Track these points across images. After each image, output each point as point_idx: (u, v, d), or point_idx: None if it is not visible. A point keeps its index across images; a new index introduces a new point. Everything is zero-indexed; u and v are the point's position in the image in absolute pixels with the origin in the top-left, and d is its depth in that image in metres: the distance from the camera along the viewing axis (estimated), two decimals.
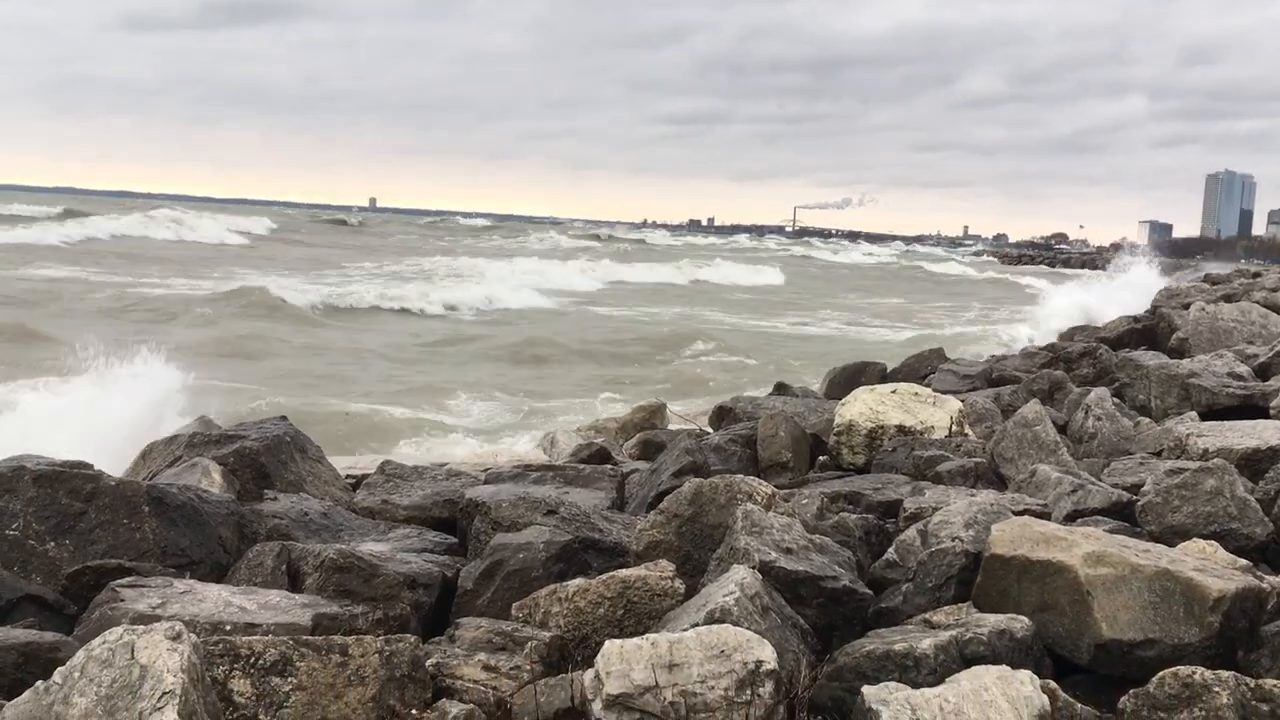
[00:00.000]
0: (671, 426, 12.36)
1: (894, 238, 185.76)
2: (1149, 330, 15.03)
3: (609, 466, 7.63)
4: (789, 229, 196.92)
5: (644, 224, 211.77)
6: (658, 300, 34.23)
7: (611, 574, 4.44)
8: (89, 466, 5.67)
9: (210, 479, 6.37)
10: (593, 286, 38.40)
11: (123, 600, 4.18)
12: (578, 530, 5.50)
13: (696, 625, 3.79)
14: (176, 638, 3.05)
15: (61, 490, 5.12)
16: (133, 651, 3.00)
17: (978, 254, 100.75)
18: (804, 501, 5.68)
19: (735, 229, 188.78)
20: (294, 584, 5.03)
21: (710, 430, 11.14)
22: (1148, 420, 8.20)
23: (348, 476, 8.16)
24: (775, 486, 5.61)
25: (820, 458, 8.39)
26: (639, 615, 4.29)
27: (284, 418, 8.28)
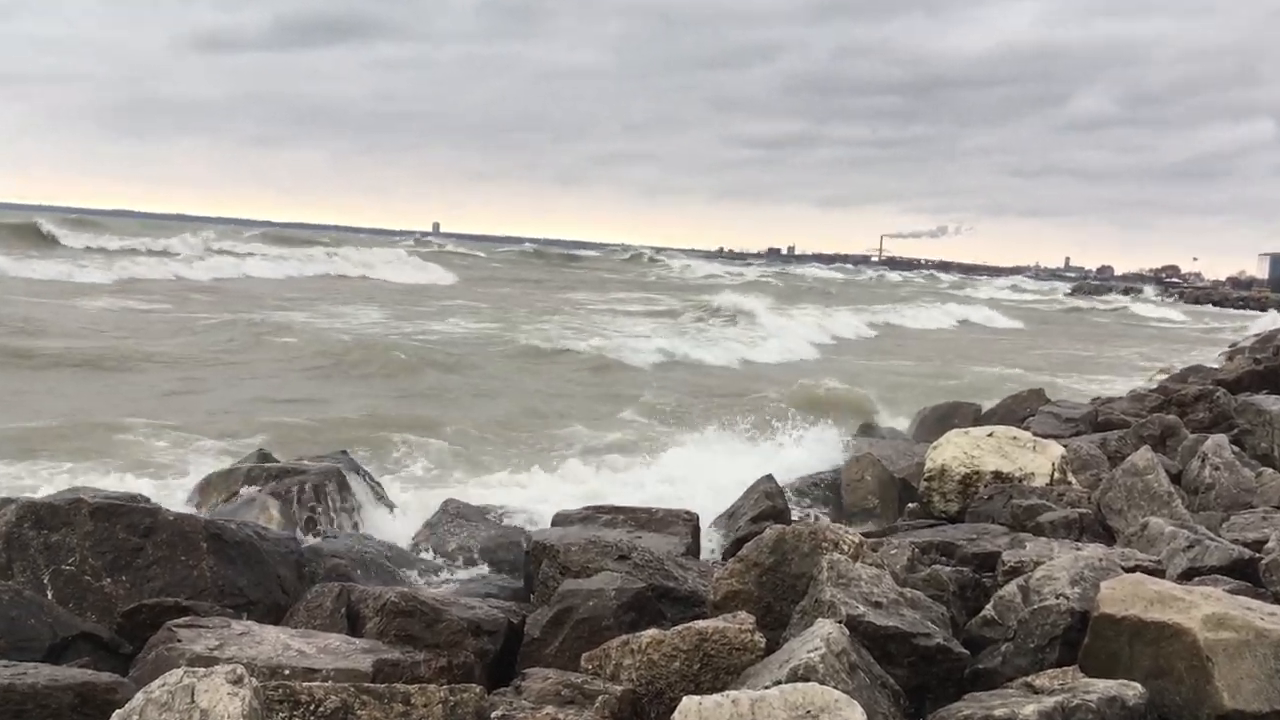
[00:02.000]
0: None
1: (989, 269, 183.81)
2: (1272, 372, 14.65)
3: (684, 510, 7.63)
4: (875, 258, 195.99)
5: (720, 253, 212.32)
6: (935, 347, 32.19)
7: (687, 625, 4.43)
8: (146, 500, 5.83)
9: (268, 514, 6.51)
10: (869, 333, 36.02)
11: (179, 641, 4.27)
12: (651, 577, 5.50)
13: (779, 683, 3.76)
14: (238, 681, 3.11)
15: (119, 524, 5.27)
16: (193, 695, 3.07)
17: (1132, 292, 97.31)
18: (893, 552, 5.62)
19: (817, 258, 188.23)
20: (354, 627, 5.09)
21: None
22: (1270, 471, 7.98)
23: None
24: (862, 535, 5.56)
25: (909, 505, 8.31)
26: (716, 670, 4.27)
27: (344, 451, 8.44)
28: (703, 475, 10.06)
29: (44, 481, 8.95)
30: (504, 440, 13.55)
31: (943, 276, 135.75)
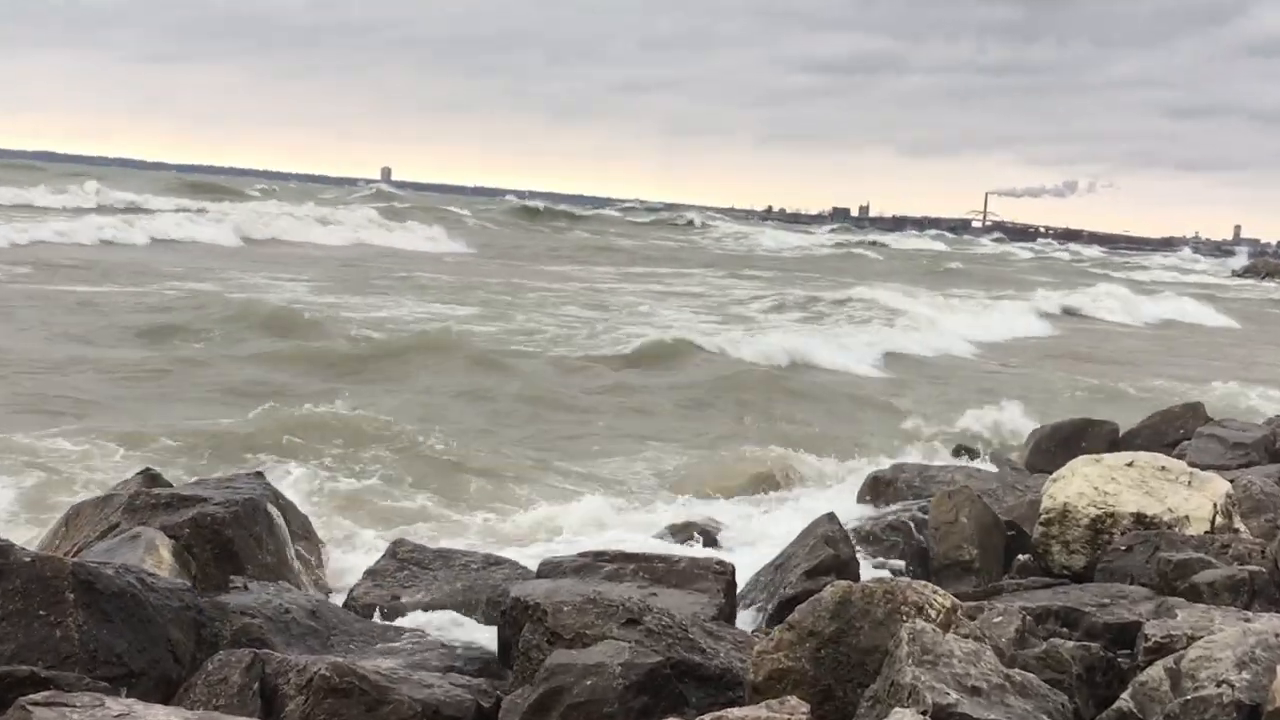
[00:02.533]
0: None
1: (1132, 240, 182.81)
2: None
3: (714, 559, 7.63)
4: (977, 222, 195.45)
5: (769, 213, 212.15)
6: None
7: (719, 715, 4.44)
8: None
9: (157, 557, 6.54)
10: (1043, 328, 35.70)
11: None
12: (670, 649, 5.50)
13: None
14: None
15: None
16: None
17: None
18: (997, 620, 5.62)
19: (898, 222, 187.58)
20: (269, 709, 5.11)
21: (861, 511, 11.09)
22: None
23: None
24: (955, 596, 5.56)
25: (1020, 556, 8.31)
26: None
27: (259, 473, 8.47)
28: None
29: None
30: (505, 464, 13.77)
31: (1082, 251, 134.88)
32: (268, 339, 21.80)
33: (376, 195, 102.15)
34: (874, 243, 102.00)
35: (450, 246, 60.62)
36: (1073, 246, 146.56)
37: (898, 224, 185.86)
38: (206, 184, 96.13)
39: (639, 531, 10.16)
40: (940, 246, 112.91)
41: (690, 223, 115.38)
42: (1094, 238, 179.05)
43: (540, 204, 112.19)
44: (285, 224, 57.59)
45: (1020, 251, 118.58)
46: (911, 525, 9.26)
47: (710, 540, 9.77)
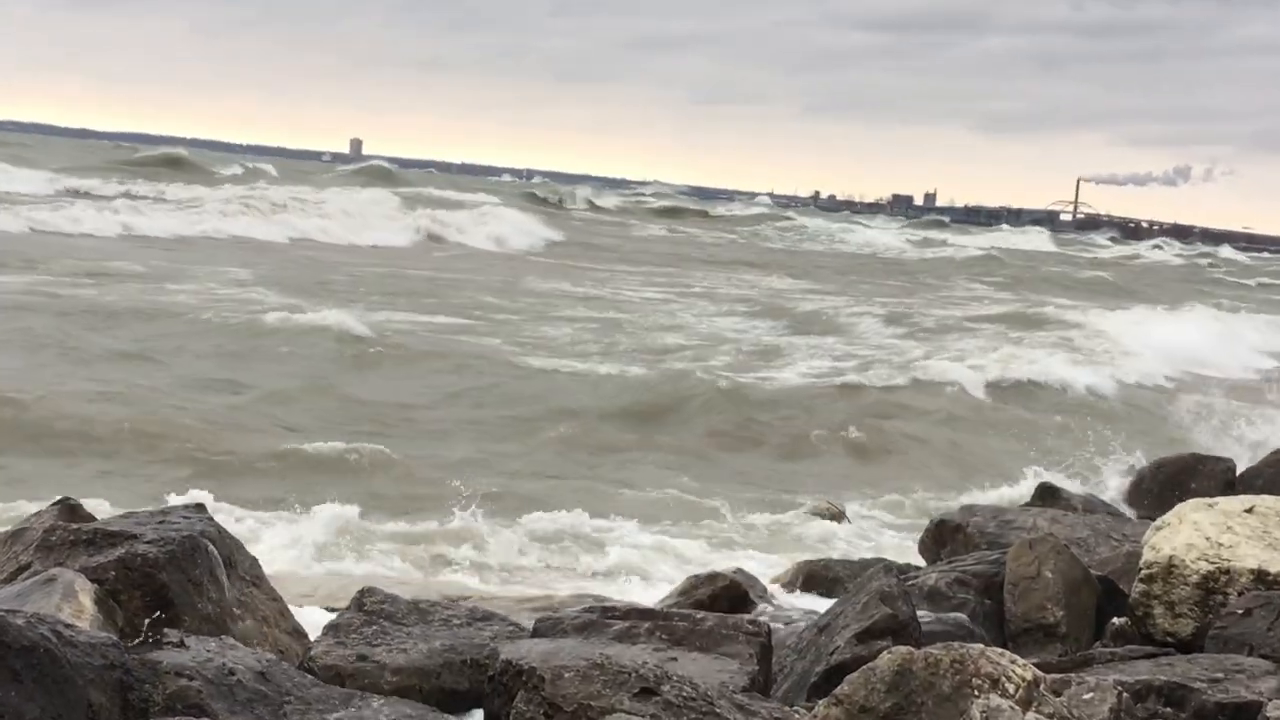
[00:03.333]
0: (850, 552, 12.32)
1: (1255, 239, 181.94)
2: None
3: (745, 618, 7.63)
4: (1065, 214, 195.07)
5: (815, 199, 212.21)
6: None
7: None
8: None
9: (77, 605, 6.54)
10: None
11: None
12: None
13: None
14: None
15: None
16: None
17: None
18: (1087, 697, 5.61)
19: (973, 213, 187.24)
20: None
21: (922, 562, 11.08)
22: None
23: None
24: (1037, 666, 5.55)
25: (1115, 620, 8.29)
26: None
27: (200, 506, 8.47)
28: None
29: None
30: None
31: (1215, 252, 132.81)
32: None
33: (367, 173, 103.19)
34: (947, 240, 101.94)
35: (534, 243, 61.47)
36: (1202, 247, 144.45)
37: (970, 215, 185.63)
38: (152, 158, 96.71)
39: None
40: (1049, 246, 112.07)
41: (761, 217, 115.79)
42: (1207, 235, 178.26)
43: (583, 192, 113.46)
44: (319, 220, 57.92)
45: (1151, 253, 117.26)
46: (984, 580, 9.24)
47: (740, 597, 9.76)
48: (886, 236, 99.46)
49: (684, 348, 28.58)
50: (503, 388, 22.17)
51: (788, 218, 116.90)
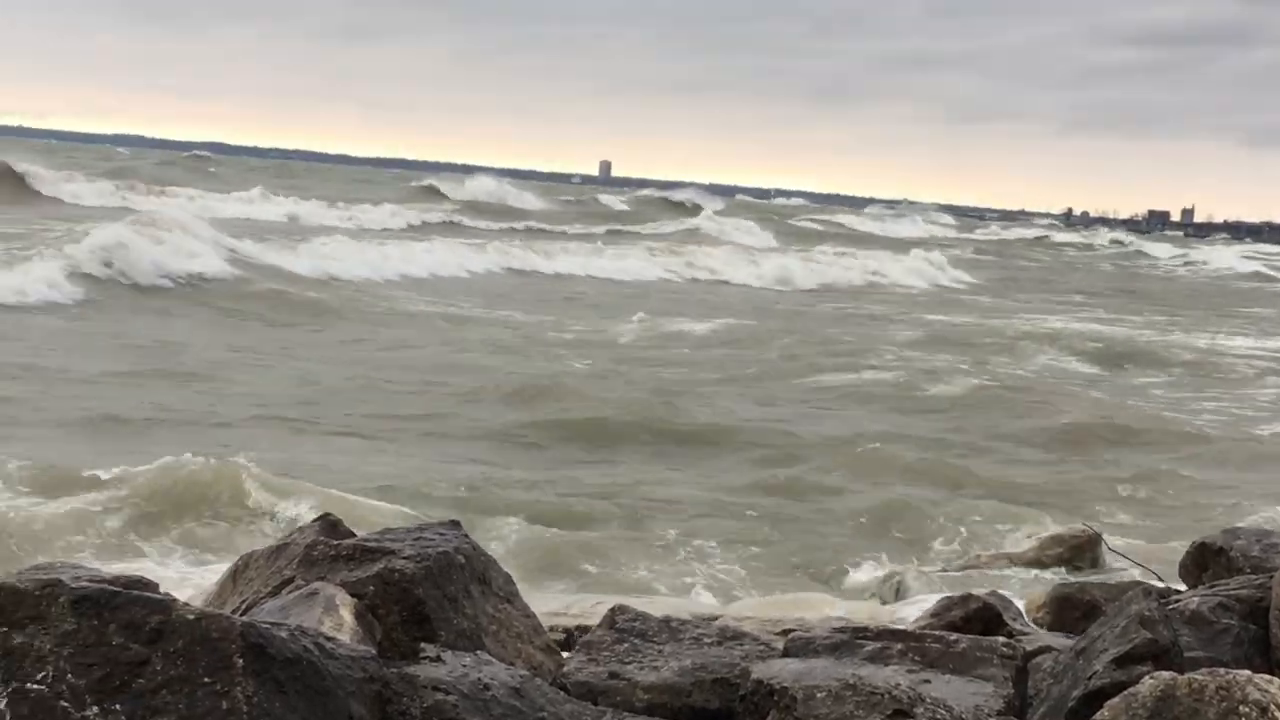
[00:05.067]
0: (1107, 577, 12.07)
1: None
2: None
3: (1000, 640, 7.47)
4: None
5: (1069, 217, 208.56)
6: None
7: None
8: (154, 587, 6.05)
9: (337, 618, 6.65)
10: None
11: None
12: None
13: None
14: None
15: (114, 623, 5.46)
16: None
17: None
18: None
19: (1235, 229, 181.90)
20: None
21: (1182, 586, 10.78)
22: None
23: (553, 628, 8.38)
24: None
25: None
26: None
27: (455, 522, 8.57)
28: None
29: None
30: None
31: None
32: None
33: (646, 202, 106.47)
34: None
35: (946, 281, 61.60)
36: None
37: (1232, 231, 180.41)
38: (432, 191, 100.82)
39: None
40: None
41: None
42: None
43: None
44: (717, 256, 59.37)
45: None
46: (1249, 605, 8.94)
47: (993, 620, 9.60)
48: (1231, 259, 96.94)
49: None
50: None
51: (1121, 242, 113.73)
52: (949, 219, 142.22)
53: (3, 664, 5.44)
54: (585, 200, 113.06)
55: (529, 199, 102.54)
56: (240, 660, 5.45)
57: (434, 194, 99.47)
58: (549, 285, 48.10)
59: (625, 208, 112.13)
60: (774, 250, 69.27)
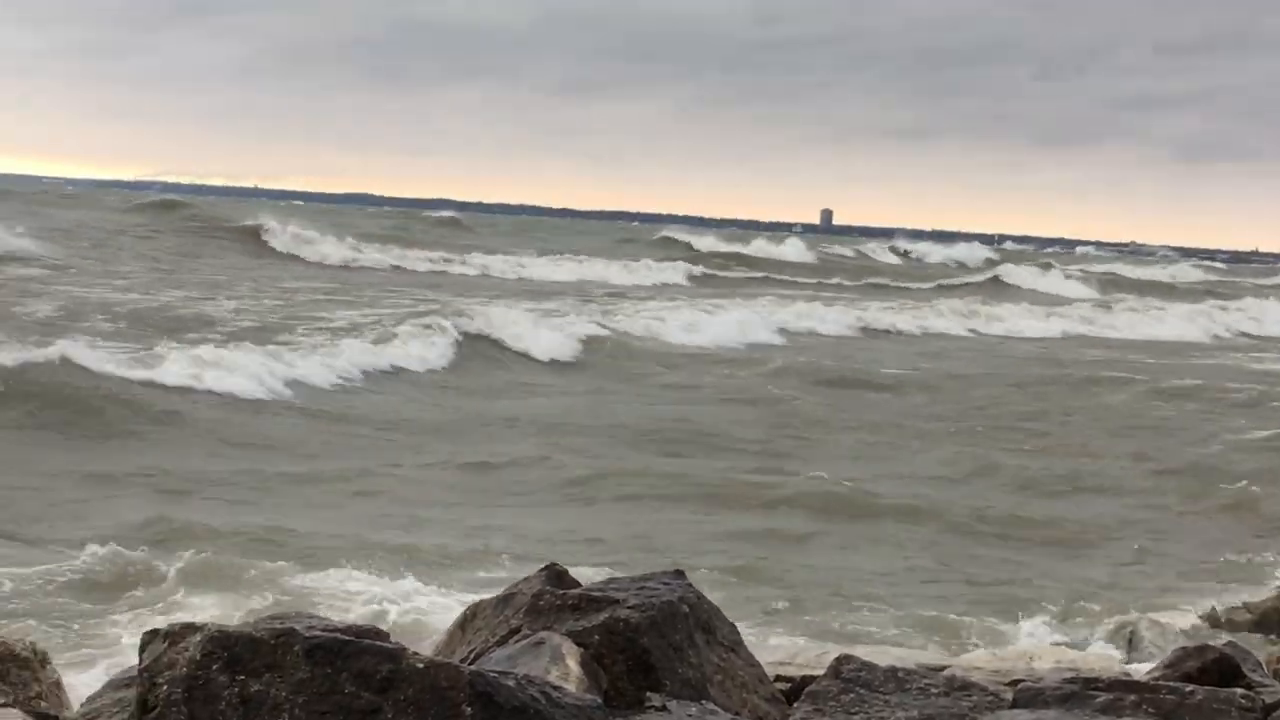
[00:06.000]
0: None
1: None
2: None
3: (1238, 691, 7.24)
4: None
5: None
6: None
7: None
8: (384, 636, 6.15)
9: (564, 668, 6.68)
10: None
11: None
12: None
13: None
14: None
15: (346, 672, 5.56)
16: None
17: None
18: None
19: None
20: None
21: None
22: None
23: (779, 678, 8.31)
24: None
25: None
26: None
27: (680, 572, 8.56)
28: None
29: None
30: None
31: None
32: None
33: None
34: None
35: None
36: None
37: None
38: (670, 242, 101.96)
39: None
40: None
41: None
42: None
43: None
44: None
45: None
46: None
47: (1231, 671, 9.30)
48: None
49: None
50: None
51: None
52: (1219, 264, 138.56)
53: (240, 711, 5.57)
54: (854, 254, 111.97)
55: (791, 250, 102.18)
56: (469, 709, 5.51)
57: (673, 245, 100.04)
58: (938, 346, 46.74)
59: (895, 260, 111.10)
60: (1118, 302, 66.06)
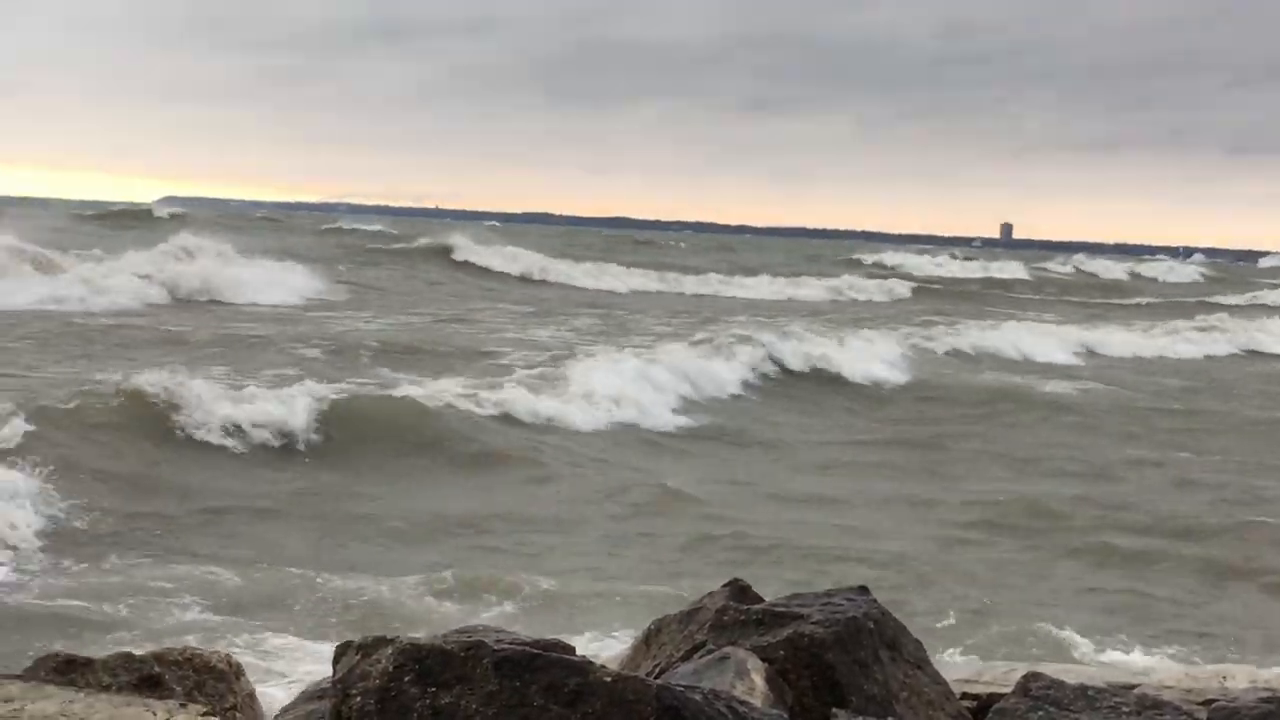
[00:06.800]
0: None
1: None
2: None
3: None
4: None
5: None
6: None
7: None
8: (571, 650, 6.20)
9: (749, 683, 6.67)
10: None
11: None
12: None
13: None
14: None
15: (535, 685, 5.61)
16: None
17: None
18: None
19: None
20: None
21: None
22: None
23: (964, 695, 8.23)
24: None
25: None
26: None
27: (864, 588, 8.51)
28: None
29: None
30: None
31: None
32: None
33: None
34: None
35: None
36: None
37: None
38: (855, 264, 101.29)
39: None
40: None
41: None
42: None
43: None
44: None
45: None
46: None
47: None
48: None
49: None
50: None
51: None
52: None
53: None
54: (1073, 272, 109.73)
55: (1013, 268, 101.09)
56: None
57: (857, 265, 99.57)
58: None
59: (1122, 276, 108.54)
60: None
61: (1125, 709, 7.51)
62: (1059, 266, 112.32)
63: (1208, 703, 8.14)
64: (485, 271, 71.23)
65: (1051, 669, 8.83)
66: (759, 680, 6.74)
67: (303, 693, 7.85)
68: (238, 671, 9.00)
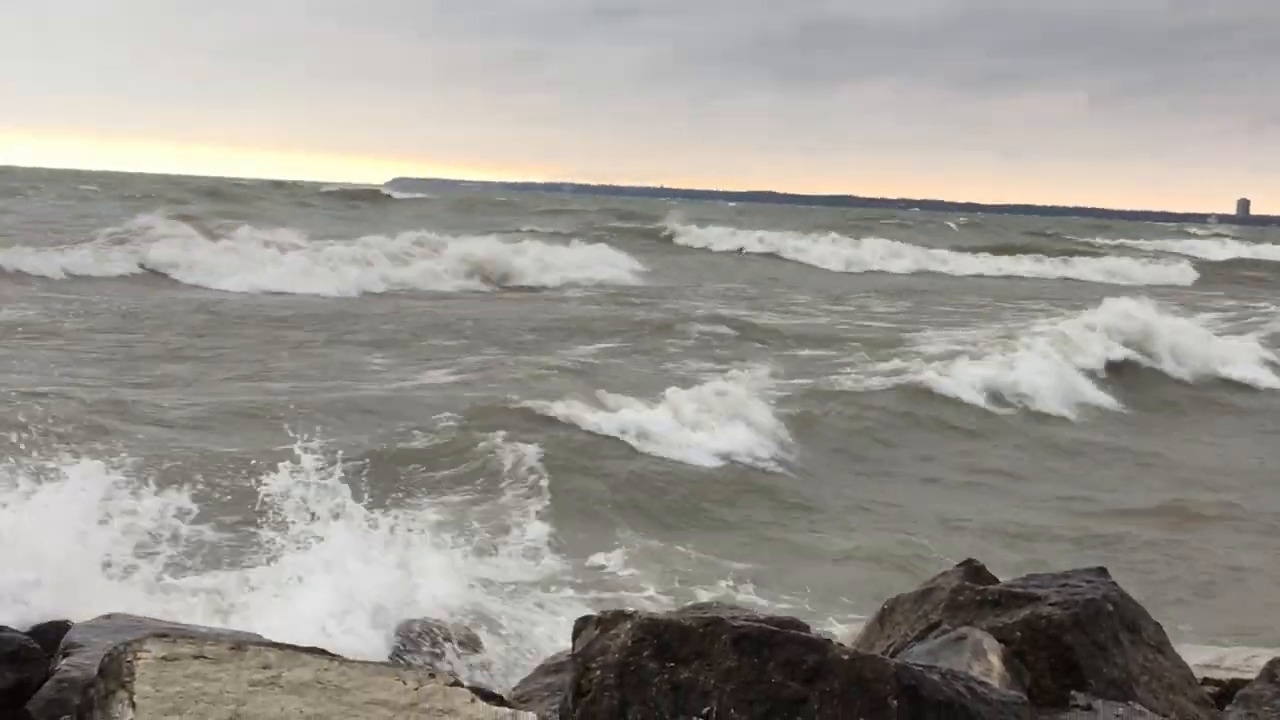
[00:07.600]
0: None
1: None
2: None
3: None
4: None
5: None
6: None
7: None
8: (805, 627, 6.23)
9: (986, 664, 6.63)
10: None
11: None
12: None
13: None
14: None
15: (773, 662, 5.64)
16: None
17: None
18: None
19: None
20: None
21: None
22: None
23: (1206, 680, 8.06)
24: None
25: None
26: None
27: (1102, 569, 8.38)
28: None
29: None
30: None
31: None
32: None
33: None
34: None
35: None
36: None
37: None
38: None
39: None
40: None
41: None
42: None
43: None
44: None
45: None
46: None
47: None
48: None
49: None
50: None
51: None
52: None
53: (671, 697, 5.72)
54: None
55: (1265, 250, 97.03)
56: (895, 702, 5.54)
57: (1122, 247, 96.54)
58: None
59: None
60: None
61: None
62: None
63: None
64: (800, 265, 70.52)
65: None
66: (996, 661, 6.69)
67: (540, 666, 7.99)
68: (475, 643, 9.23)
